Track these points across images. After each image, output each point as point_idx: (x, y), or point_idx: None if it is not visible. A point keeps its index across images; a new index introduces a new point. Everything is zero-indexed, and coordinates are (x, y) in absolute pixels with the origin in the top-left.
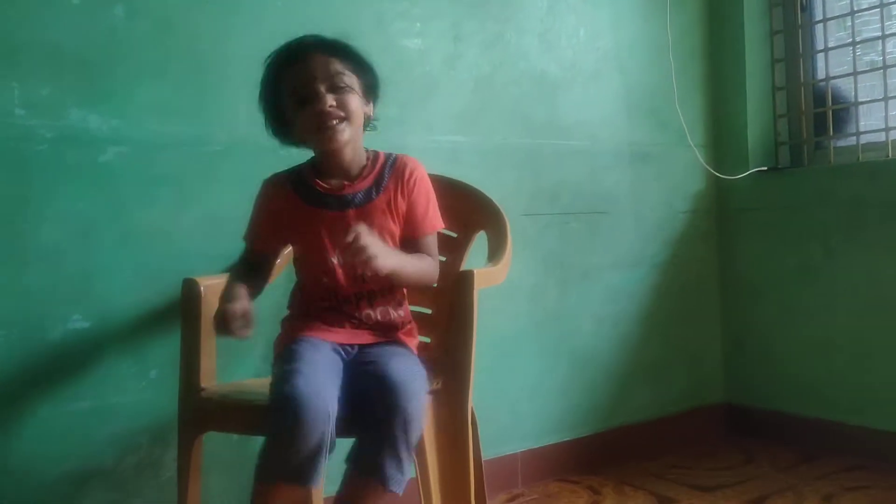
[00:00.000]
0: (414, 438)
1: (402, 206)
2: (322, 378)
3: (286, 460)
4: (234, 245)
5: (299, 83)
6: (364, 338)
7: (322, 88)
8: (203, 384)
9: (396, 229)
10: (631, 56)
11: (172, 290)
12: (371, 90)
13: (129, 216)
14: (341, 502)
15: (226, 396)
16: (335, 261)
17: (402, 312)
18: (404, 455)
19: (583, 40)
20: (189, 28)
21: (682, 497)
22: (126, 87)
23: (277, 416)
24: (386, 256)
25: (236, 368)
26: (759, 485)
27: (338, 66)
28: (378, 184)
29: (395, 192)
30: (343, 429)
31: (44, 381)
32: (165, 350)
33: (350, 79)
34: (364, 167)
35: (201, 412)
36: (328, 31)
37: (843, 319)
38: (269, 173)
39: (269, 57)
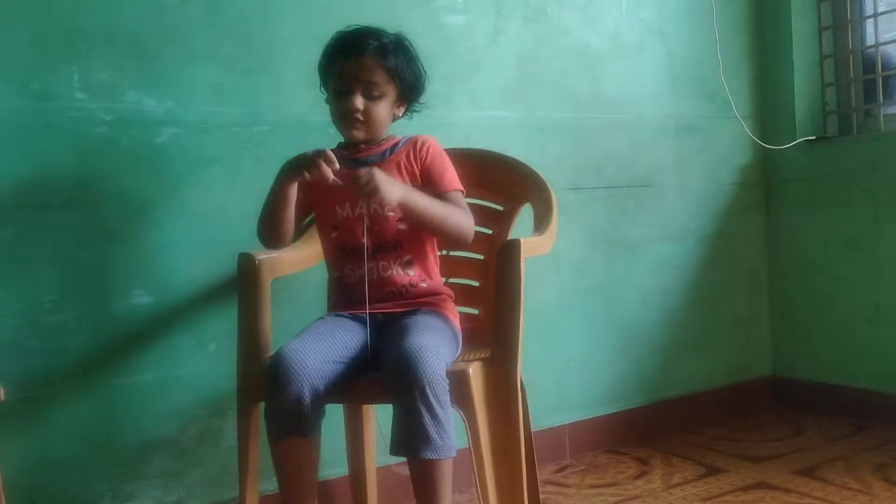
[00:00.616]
0: (437, 404)
1: (416, 168)
2: (313, 347)
3: (276, 415)
4: None
5: (341, 77)
6: (387, 307)
7: (357, 89)
8: (261, 354)
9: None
10: (674, 27)
11: (227, 266)
12: (408, 95)
13: (184, 195)
14: (415, 488)
15: None
16: (345, 212)
17: (423, 283)
18: (430, 425)
19: (625, 12)
20: (237, 11)
21: (730, 467)
22: (179, 69)
23: (268, 380)
24: (392, 186)
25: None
26: (809, 455)
27: (381, 73)
28: (392, 149)
29: (409, 157)
30: (378, 396)
31: (110, 353)
32: (222, 324)
33: (386, 87)
34: (380, 142)
35: (259, 380)
36: (372, 9)
37: (891, 289)
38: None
39: (332, 38)
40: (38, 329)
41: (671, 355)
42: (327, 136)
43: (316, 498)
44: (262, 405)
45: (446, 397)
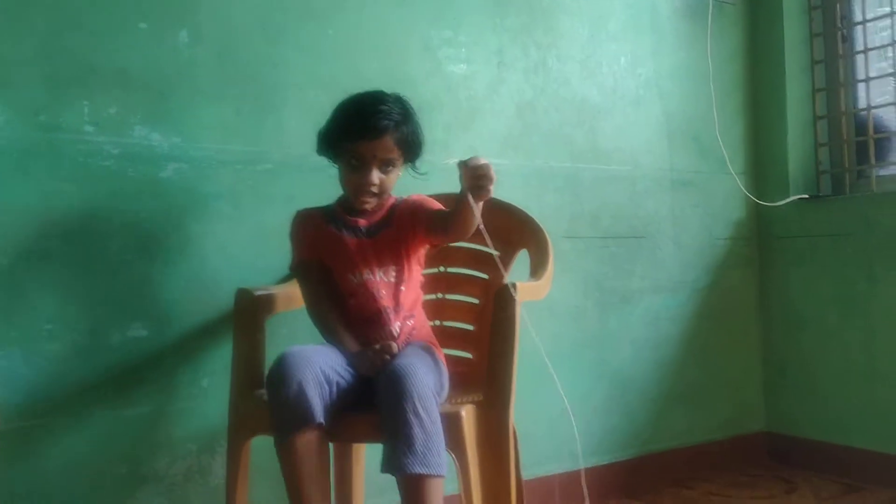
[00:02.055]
0: (427, 420)
1: (408, 222)
2: (313, 351)
3: (281, 408)
4: (283, 258)
5: (359, 156)
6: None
7: (374, 166)
8: (254, 390)
9: (418, 247)
10: (672, 84)
11: (225, 301)
12: (411, 159)
13: (186, 230)
14: None
15: None
16: (356, 279)
17: (410, 322)
18: (419, 438)
19: (623, 67)
20: (247, 54)
21: None
22: (186, 107)
23: (268, 380)
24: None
25: None
26: None
27: (394, 149)
28: (391, 213)
29: (402, 216)
30: (371, 433)
31: (105, 384)
32: (217, 359)
33: (398, 158)
34: (379, 209)
35: (251, 416)
36: (377, 57)
37: (886, 348)
38: (316, 191)
39: (347, 104)
40: (35, 357)
41: (663, 407)
42: (328, 177)
43: (330, 498)
44: (251, 442)
45: (436, 413)
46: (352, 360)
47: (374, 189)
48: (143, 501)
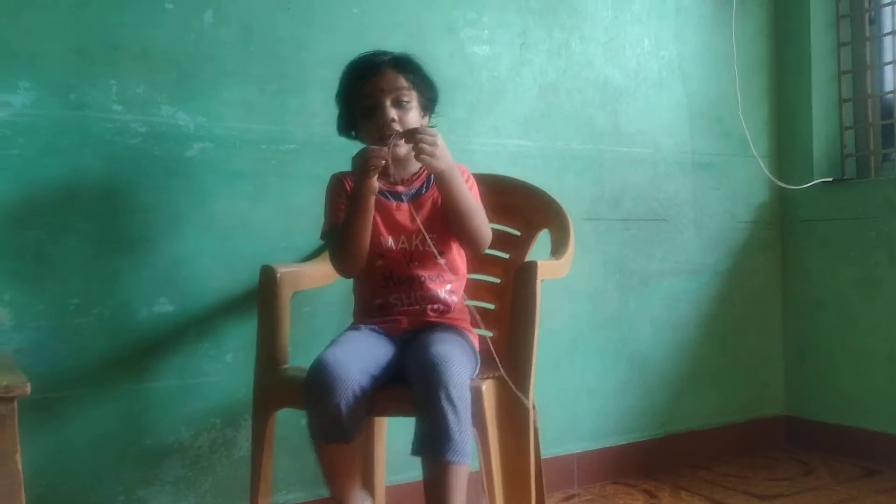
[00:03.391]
0: (462, 409)
1: None
2: (352, 357)
3: (318, 422)
4: (306, 237)
5: (369, 96)
6: (414, 322)
7: (387, 102)
8: (278, 365)
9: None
10: (695, 66)
11: (249, 278)
12: (429, 105)
13: (211, 208)
14: (427, 490)
15: (299, 373)
16: (390, 244)
17: (454, 298)
18: (454, 426)
19: (647, 50)
20: (271, 34)
21: (739, 503)
22: (212, 87)
23: (307, 386)
24: (445, 156)
25: (307, 352)
26: (818, 496)
27: (403, 82)
28: (428, 182)
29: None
30: (402, 408)
31: (131, 358)
32: (241, 335)
33: (411, 94)
34: (417, 172)
35: (276, 389)
36: (400, 37)
37: None
38: (340, 171)
39: (346, 67)
40: (62, 331)
41: (682, 389)
42: (349, 156)
43: (358, 480)
44: (276, 415)
45: (468, 404)
46: (354, 180)
47: (396, 125)
48: (168, 473)
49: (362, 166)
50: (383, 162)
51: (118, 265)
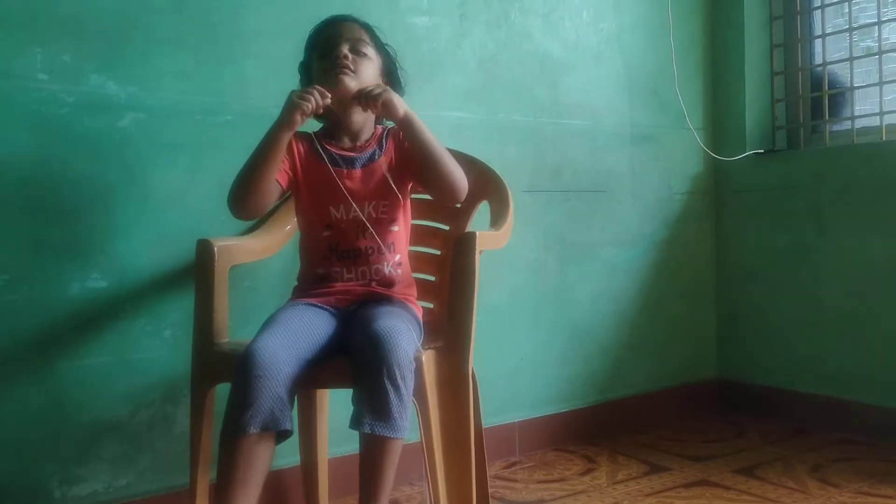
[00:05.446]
0: (403, 386)
1: (401, 157)
2: (284, 343)
3: (238, 415)
4: None
5: (326, 42)
6: (357, 296)
7: (343, 43)
8: (215, 339)
9: (403, 185)
10: (632, 39)
11: (186, 253)
12: (389, 74)
13: (145, 180)
14: (362, 463)
15: (237, 349)
16: (340, 214)
17: (399, 271)
18: (394, 404)
19: (586, 21)
20: (206, 0)
21: (674, 465)
22: (143, 55)
23: (235, 375)
24: (402, 102)
25: (246, 328)
26: (749, 456)
27: (364, 35)
28: (380, 146)
29: (395, 150)
30: (341, 381)
31: (63, 335)
32: (179, 311)
33: (370, 50)
34: (368, 139)
35: (214, 364)
36: (340, 6)
37: (834, 297)
38: None
39: (310, 33)
40: None
41: (620, 357)
42: None
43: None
44: (215, 390)
45: (412, 381)
46: (279, 120)
47: (349, 63)
48: (105, 450)
49: (291, 104)
50: (313, 105)
51: (49, 240)
